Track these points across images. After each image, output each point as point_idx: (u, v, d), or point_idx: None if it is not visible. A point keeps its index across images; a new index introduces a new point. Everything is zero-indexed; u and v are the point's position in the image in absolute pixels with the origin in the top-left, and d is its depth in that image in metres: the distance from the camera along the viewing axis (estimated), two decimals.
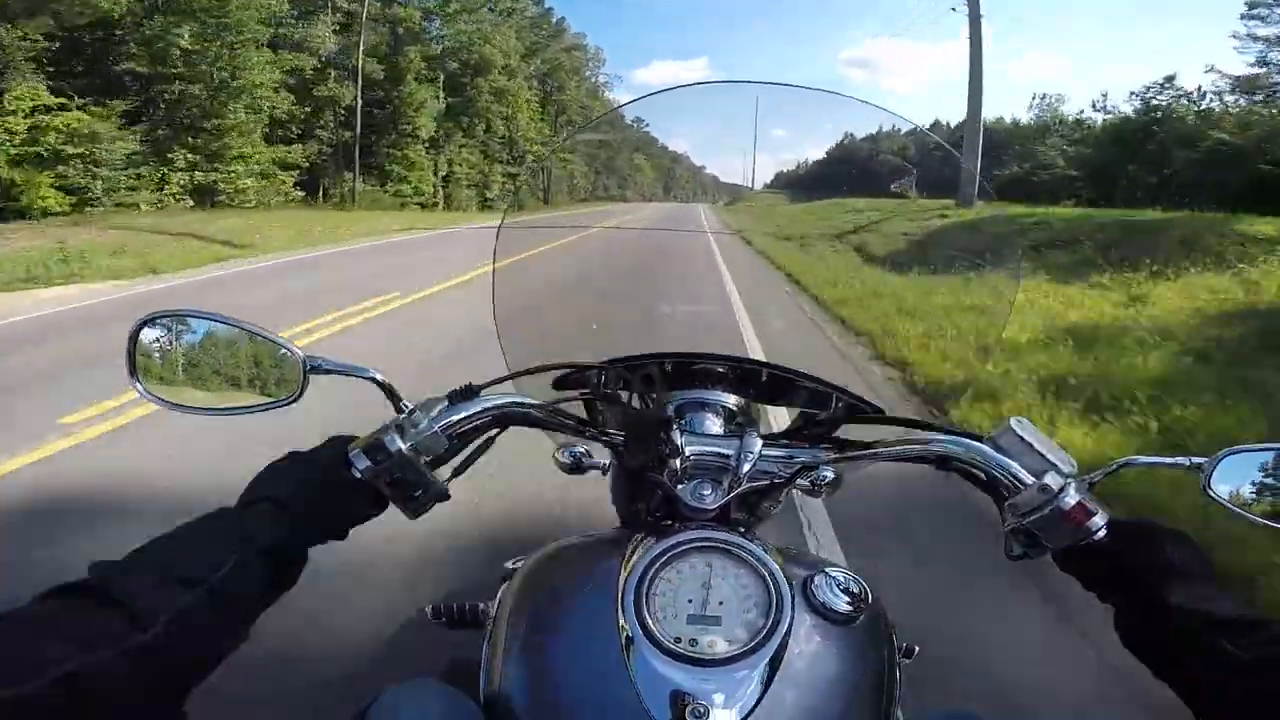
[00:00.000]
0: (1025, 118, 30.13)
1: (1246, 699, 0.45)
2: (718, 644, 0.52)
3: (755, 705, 0.49)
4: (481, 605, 0.83)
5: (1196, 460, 0.58)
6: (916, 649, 0.78)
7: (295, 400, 0.63)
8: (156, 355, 0.65)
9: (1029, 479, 0.59)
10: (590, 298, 1.23)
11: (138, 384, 0.63)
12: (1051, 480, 0.57)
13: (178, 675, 0.43)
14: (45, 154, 14.84)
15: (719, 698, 0.49)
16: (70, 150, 15.23)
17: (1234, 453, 0.59)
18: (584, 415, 0.82)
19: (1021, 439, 0.61)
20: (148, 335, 0.64)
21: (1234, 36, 18.44)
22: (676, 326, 0.92)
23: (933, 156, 0.89)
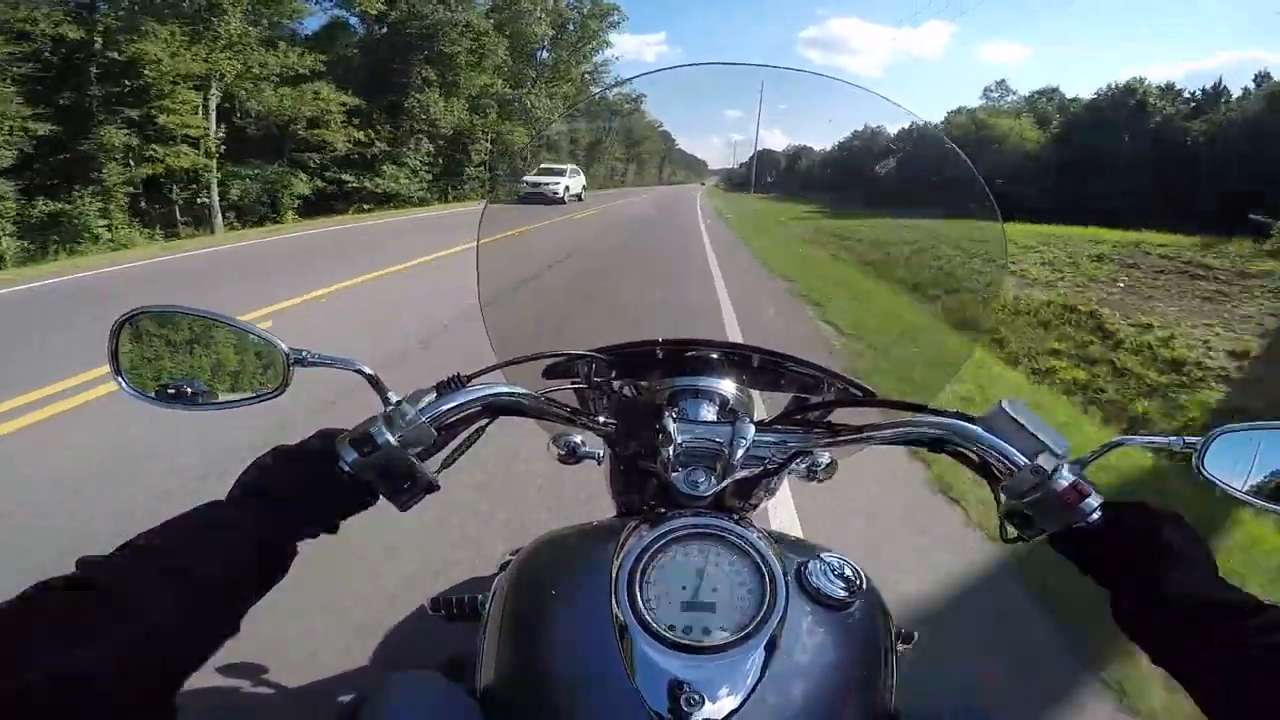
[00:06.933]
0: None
1: (1244, 684, 0.44)
2: (712, 631, 0.52)
3: (751, 692, 0.49)
4: (480, 597, 0.83)
5: (1189, 440, 0.58)
6: (915, 635, 0.78)
7: (279, 393, 0.62)
8: (139, 351, 0.64)
9: (1022, 460, 0.59)
10: (579, 284, 1.21)
11: (121, 380, 0.62)
12: (1044, 461, 0.57)
13: (167, 668, 0.43)
14: None
15: (714, 685, 0.49)
16: None
17: (1226, 432, 0.58)
18: (576, 404, 0.81)
19: (1013, 420, 0.61)
20: (130, 331, 0.62)
21: None
22: (668, 312, 0.91)
23: (931, 159, 0.86)
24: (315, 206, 18.33)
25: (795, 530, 2.26)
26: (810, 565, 0.57)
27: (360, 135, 19.38)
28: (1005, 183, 21.82)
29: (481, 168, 24.25)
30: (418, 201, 20.68)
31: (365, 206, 19.44)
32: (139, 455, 2.76)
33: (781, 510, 2.34)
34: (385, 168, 20.60)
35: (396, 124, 21.26)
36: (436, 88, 21.72)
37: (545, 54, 27.42)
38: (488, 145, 24.06)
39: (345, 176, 19.58)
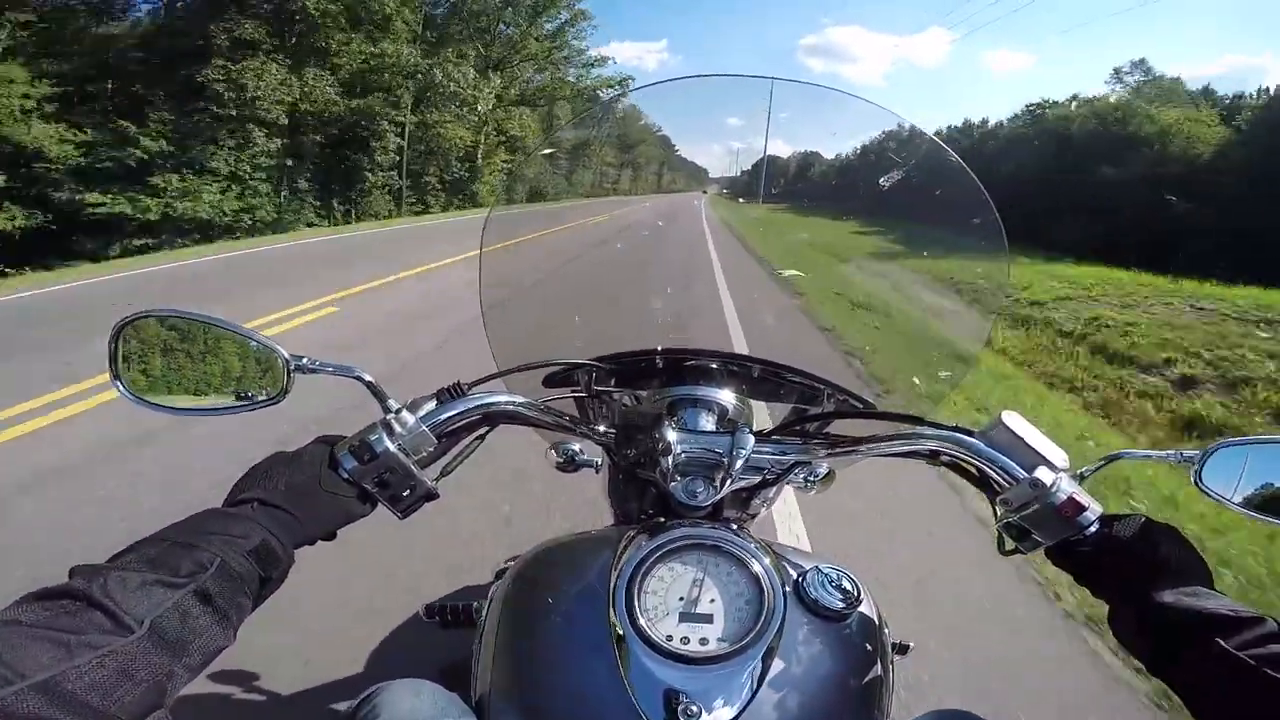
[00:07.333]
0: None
1: (1240, 696, 0.45)
2: (710, 642, 0.52)
3: (747, 703, 0.49)
4: (475, 604, 0.83)
5: (1188, 453, 0.58)
6: (911, 646, 0.78)
7: (280, 400, 0.62)
8: (139, 355, 0.64)
9: (1021, 474, 0.59)
10: (580, 292, 1.21)
11: (120, 384, 0.62)
12: (1043, 475, 0.57)
13: (162, 678, 0.42)
14: None
15: (711, 696, 0.49)
16: None
17: (1225, 446, 0.59)
18: (575, 413, 0.81)
19: (1013, 433, 0.61)
20: (130, 335, 0.62)
21: None
22: (669, 323, 0.92)
23: (935, 175, 0.86)
24: (41, 248, 10.76)
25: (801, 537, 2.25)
26: (808, 576, 0.57)
27: (80, 133, 10.98)
28: (1179, 201, 14.58)
29: (393, 173, 17.14)
30: (262, 229, 12.08)
31: (137, 244, 11.05)
32: None
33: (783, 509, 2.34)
34: (167, 179, 12.24)
35: (187, 111, 13.03)
36: (280, 55, 13.99)
37: (508, 29, 20.90)
38: (396, 140, 16.65)
39: (89, 199, 11.46)
